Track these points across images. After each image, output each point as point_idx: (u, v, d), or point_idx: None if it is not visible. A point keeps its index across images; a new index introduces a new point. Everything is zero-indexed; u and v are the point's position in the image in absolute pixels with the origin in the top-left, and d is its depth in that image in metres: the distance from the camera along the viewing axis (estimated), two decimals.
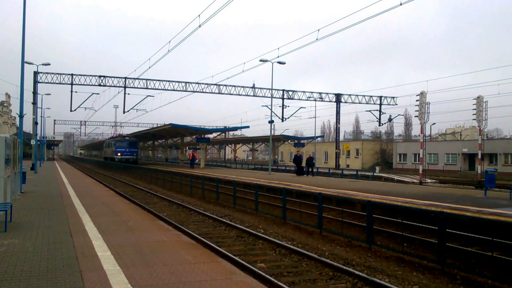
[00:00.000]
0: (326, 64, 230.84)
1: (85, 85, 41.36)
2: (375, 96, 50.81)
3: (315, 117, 56.43)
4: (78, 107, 43.98)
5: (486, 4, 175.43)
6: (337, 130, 54.42)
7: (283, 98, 47.97)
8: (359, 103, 50.74)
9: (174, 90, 43.74)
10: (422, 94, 31.27)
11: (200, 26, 22.42)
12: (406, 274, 8.82)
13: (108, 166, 57.61)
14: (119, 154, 51.91)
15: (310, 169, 30.06)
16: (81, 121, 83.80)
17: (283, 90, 48.09)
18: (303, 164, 30.49)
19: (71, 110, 42.28)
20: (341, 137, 66.76)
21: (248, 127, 55.62)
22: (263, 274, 7.92)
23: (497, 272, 8.01)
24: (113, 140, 58.75)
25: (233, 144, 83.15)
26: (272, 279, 7.60)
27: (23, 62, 23.18)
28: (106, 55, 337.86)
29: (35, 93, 39.65)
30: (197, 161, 45.54)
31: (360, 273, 8.25)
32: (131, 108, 45.61)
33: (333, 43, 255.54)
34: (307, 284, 7.88)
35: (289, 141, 64.23)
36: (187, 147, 77.51)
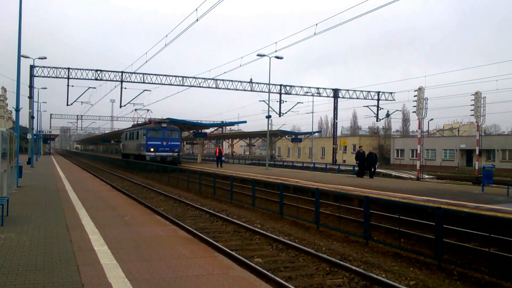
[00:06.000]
0: (327, 60, 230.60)
1: (81, 79, 41.22)
2: (373, 92, 50.84)
3: (312, 112, 56.60)
4: (75, 101, 43.91)
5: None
6: (335, 125, 54.41)
7: (280, 93, 47.93)
8: (357, 98, 50.76)
9: (171, 84, 43.62)
10: (420, 90, 31.31)
11: (197, 20, 22.34)
12: (403, 269, 8.83)
13: (103, 159, 57.29)
14: (152, 149, 35.63)
15: (371, 169, 23.52)
16: (77, 115, 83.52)
17: (281, 85, 48.04)
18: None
19: (67, 104, 42.21)
20: (339, 133, 66.68)
21: (245, 122, 55.39)
22: (260, 269, 7.91)
23: (494, 268, 8.03)
24: (142, 128, 38.50)
25: (230, 139, 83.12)
26: (269, 274, 7.59)
27: (19, 55, 23.03)
28: (103, 49, 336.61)
29: (31, 87, 39.45)
30: (223, 158, 37.87)
31: (357, 269, 8.25)
32: (128, 103, 45.51)
33: (334, 38, 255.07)
34: (304, 279, 7.88)
35: (287, 136, 64.32)
36: (184, 142, 77.41)
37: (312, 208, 13.25)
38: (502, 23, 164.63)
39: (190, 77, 44.16)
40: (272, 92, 45.00)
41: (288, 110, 50.77)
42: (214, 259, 7.15)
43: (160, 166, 30.48)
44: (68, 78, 40.50)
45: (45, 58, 37.18)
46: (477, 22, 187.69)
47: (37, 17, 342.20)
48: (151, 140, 35.93)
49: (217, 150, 36.26)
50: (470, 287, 7.88)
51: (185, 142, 76.65)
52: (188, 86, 44.21)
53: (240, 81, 45.77)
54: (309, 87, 49.33)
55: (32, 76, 39.32)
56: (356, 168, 26.06)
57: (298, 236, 11.81)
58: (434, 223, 9.17)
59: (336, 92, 50.69)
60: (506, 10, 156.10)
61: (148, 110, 46.66)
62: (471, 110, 36.53)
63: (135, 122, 47.02)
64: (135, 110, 46.74)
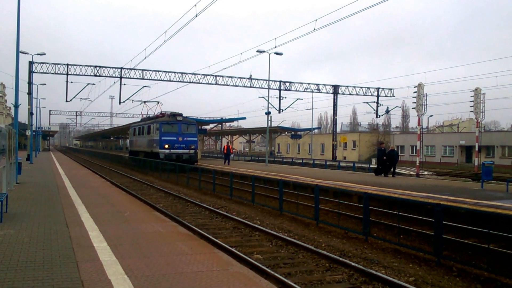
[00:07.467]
0: (327, 56, 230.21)
1: (80, 75, 41.18)
2: (372, 88, 50.90)
3: (312, 109, 56.56)
4: (74, 97, 43.84)
5: None
6: (334, 121, 54.39)
7: (280, 90, 47.92)
8: (357, 94, 50.76)
9: (170, 80, 43.56)
10: (420, 86, 31.26)
11: (196, 15, 22.31)
12: (402, 265, 8.83)
13: (103, 156, 57.19)
14: (166, 146, 31.23)
15: (393, 167, 22.57)
16: (76, 112, 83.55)
17: (280, 81, 48.01)
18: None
19: (66, 101, 42.19)
20: (338, 129, 66.71)
21: (244, 118, 55.27)
22: (260, 265, 7.91)
23: (493, 264, 8.04)
24: (155, 122, 33.41)
25: (229, 136, 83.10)
26: (269, 270, 7.59)
27: (18, 51, 22.94)
28: (102, 45, 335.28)
29: (30, 83, 39.43)
30: (232, 155, 36.14)
31: (357, 265, 8.26)
32: (127, 99, 45.45)
33: (334, 34, 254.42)
34: (303, 275, 7.88)
35: (286, 132, 64.35)
36: None
37: (312, 204, 13.25)
38: (506, 20, 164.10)
39: (190, 73, 44.14)
40: (272, 88, 45.07)
41: (288, 107, 50.77)
42: (213, 255, 7.15)
43: (184, 166, 26.21)
44: (67, 74, 40.45)
45: (44, 54, 37.16)
46: (479, 20, 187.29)
47: (35, 16, 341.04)
48: (165, 136, 31.49)
49: (225, 147, 33.98)
50: (469, 283, 7.88)
51: None
52: (187, 82, 44.17)
53: (240, 77, 45.75)
54: (309, 83, 49.32)
55: (31, 72, 39.27)
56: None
57: (298, 233, 11.81)
58: (433, 220, 9.17)
59: (335, 88, 50.66)
60: (508, 8, 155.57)
61: (158, 102, 41.74)
62: (471, 106, 36.44)
63: (145, 116, 42.49)
64: (144, 102, 42.07)
